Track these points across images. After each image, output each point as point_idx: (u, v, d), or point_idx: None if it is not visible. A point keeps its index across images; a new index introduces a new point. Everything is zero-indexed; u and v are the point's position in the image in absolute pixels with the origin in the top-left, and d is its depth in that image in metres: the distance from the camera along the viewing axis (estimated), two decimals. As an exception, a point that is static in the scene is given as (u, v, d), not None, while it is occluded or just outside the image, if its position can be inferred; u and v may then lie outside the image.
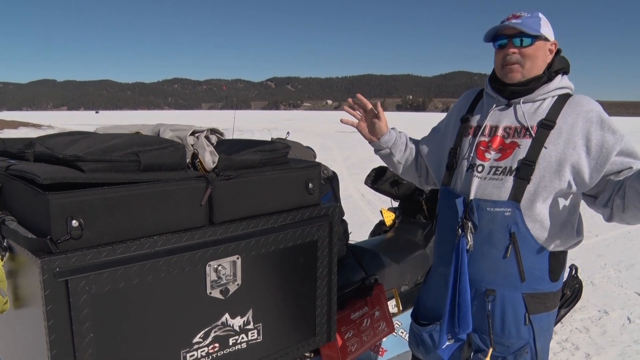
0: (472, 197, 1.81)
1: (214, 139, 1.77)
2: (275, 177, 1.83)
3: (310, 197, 1.94)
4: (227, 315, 1.72)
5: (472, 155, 1.87)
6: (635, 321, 3.94)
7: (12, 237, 1.49)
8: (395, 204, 3.68)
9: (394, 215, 3.54)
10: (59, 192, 1.36)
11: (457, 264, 1.82)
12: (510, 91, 1.85)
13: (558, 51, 1.89)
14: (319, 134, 28.93)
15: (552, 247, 1.81)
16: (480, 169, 1.83)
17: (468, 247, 1.80)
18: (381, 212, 3.74)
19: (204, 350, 1.69)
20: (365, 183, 3.44)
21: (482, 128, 1.88)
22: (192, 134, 1.71)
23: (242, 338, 1.79)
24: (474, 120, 1.95)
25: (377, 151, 2.18)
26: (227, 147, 1.79)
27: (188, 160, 1.69)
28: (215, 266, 1.65)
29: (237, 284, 1.72)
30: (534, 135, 1.77)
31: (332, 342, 2.14)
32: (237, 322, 1.76)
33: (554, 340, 3.58)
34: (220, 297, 1.69)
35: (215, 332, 1.71)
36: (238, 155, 1.75)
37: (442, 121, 2.17)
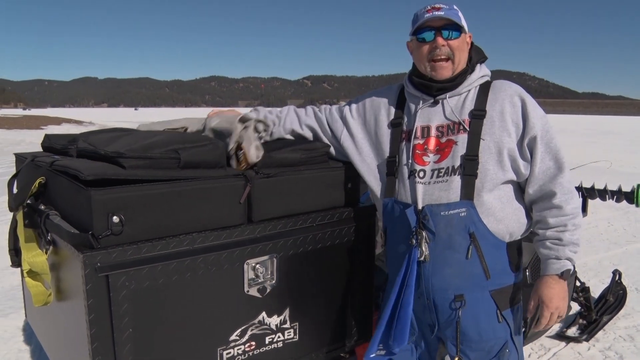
0: (421, 204, 1.73)
1: (261, 127, 1.75)
2: (314, 176, 1.81)
3: (349, 196, 1.92)
4: (264, 314, 1.72)
5: (410, 161, 1.78)
6: (683, 330, 3.79)
7: (55, 231, 1.52)
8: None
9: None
10: (101, 188, 1.38)
11: (406, 275, 1.73)
12: (438, 88, 1.78)
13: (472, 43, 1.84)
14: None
15: (508, 239, 1.77)
16: (422, 174, 1.75)
17: (423, 257, 1.72)
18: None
19: (241, 348, 1.69)
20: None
21: (414, 131, 1.79)
22: (241, 120, 1.69)
23: (279, 337, 1.78)
24: (404, 124, 1.85)
25: None
26: (267, 144, 1.79)
27: (231, 147, 1.68)
28: (253, 264, 1.65)
29: (274, 283, 1.72)
30: (468, 128, 1.72)
31: (368, 343, 2.12)
32: (274, 320, 1.75)
33: (596, 349, 3.47)
34: (258, 295, 1.69)
35: (252, 330, 1.70)
36: (278, 153, 1.74)
37: (359, 108, 1.98)
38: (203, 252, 1.54)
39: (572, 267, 1.76)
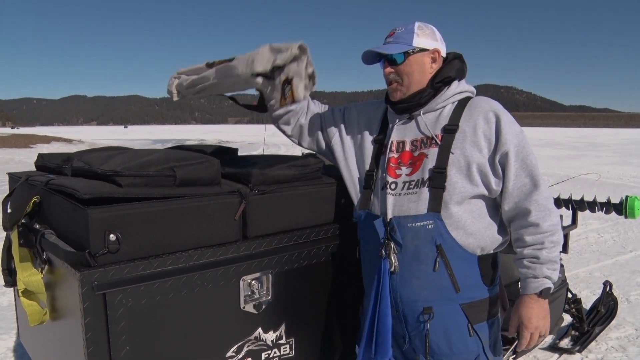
0: (390, 215, 1.75)
1: (310, 70, 1.71)
2: (308, 192, 1.83)
3: (342, 212, 1.94)
4: (260, 330, 1.73)
5: (384, 174, 1.81)
6: (674, 340, 3.82)
7: (51, 250, 1.53)
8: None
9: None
10: (98, 206, 1.39)
11: (379, 287, 1.75)
12: (399, 108, 1.83)
13: (457, 57, 1.86)
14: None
15: (479, 252, 1.76)
16: (393, 186, 1.78)
17: (393, 268, 1.73)
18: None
19: (237, 365, 1.70)
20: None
21: (390, 145, 1.83)
22: (300, 48, 1.63)
23: (275, 353, 1.78)
24: (384, 139, 1.89)
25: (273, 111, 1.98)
26: (260, 162, 1.81)
27: (281, 79, 1.65)
28: (249, 280, 1.66)
29: (270, 299, 1.73)
30: (439, 142, 1.74)
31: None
32: (270, 336, 1.76)
33: (588, 359, 3.49)
34: (254, 311, 1.69)
35: (248, 346, 1.71)
36: (272, 170, 1.76)
37: (351, 119, 2.02)
38: (199, 269, 1.55)
39: (551, 286, 1.72)
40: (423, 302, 1.74)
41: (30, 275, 1.65)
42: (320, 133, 2.01)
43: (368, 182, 1.86)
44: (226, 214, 1.63)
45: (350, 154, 1.95)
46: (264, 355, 1.76)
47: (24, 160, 19.19)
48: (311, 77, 1.73)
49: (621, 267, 5.70)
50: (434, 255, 1.70)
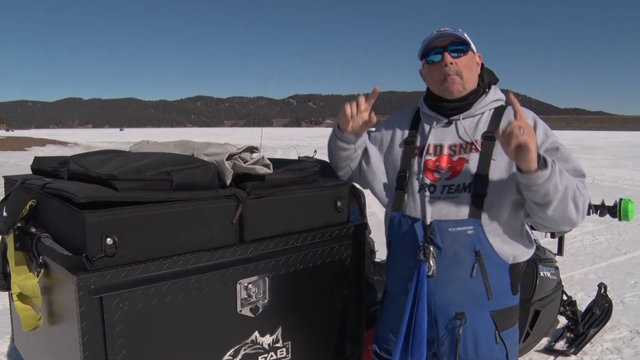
0: (429, 219, 1.74)
1: (247, 156, 1.74)
2: (305, 196, 1.84)
3: (339, 215, 1.95)
4: (256, 333, 1.73)
5: (421, 175, 1.81)
6: (669, 342, 3.84)
7: (47, 254, 1.52)
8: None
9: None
10: (95, 210, 1.39)
11: (416, 291, 1.74)
12: (451, 107, 1.81)
13: (482, 65, 1.88)
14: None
15: (511, 260, 1.77)
16: (432, 189, 1.78)
17: (431, 272, 1.72)
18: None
19: (234, 369, 1.70)
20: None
21: (427, 147, 1.83)
22: (228, 158, 1.68)
23: (271, 356, 1.78)
24: (417, 141, 1.88)
25: (339, 143, 1.91)
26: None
27: (229, 181, 1.68)
28: (246, 284, 1.66)
29: (267, 302, 1.73)
30: (480, 149, 1.75)
31: (359, 361, 2.13)
32: (267, 340, 1.76)
33: (584, 361, 3.51)
34: (250, 315, 1.69)
35: (244, 350, 1.71)
36: (269, 174, 1.76)
37: (377, 134, 2.02)
38: (196, 272, 1.55)
39: (550, 163, 1.54)
40: (456, 307, 1.75)
41: (25, 279, 1.64)
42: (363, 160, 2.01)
43: (400, 183, 1.86)
44: (223, 217, 1.63)
45: (378, 163, 1.96)
46: (260, 359, 1.76)
47: (19, 163, 19.12)
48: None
49: (616, 269, 5.73)
50: (472, 260, 1.70)
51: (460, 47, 1.77)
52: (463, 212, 1.72)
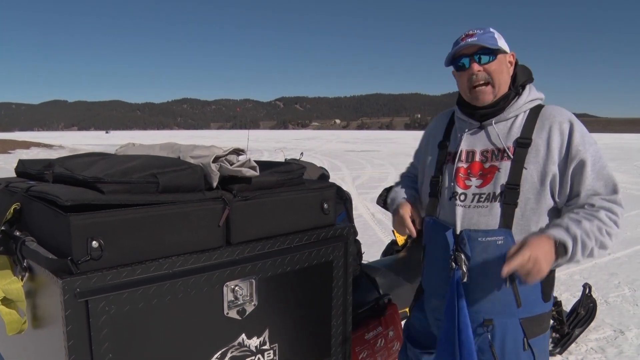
0: (459, 227, 1.76)
1: (233, 158, 1.74)
2: (291, 198, 1.84)
3: (325, 217, 1.95)
4: (243, 336, 1.73)
5: (452, 183, 1.81)
6: (652, 341, 3.89)
7: (32, 257, 1.51)
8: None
9: (406, 234, 3.53)
10: (80, 213, 1.38)
11: (455, 299, 1.73)
12: (481, 114, 1.80)
13: (516, 62, 1.83)
14: (328, 153, 29.00)
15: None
16: (462, 197, 1.78)
17: (465, 279, 1.73)
18: (394, 231, 3.73)
19: (221, 371, 1.69)
20: (377, 203, 3.43)
21: (459, 154, 1.83)
22: (214, 160, 1.68)
23: (259, 359, 1.78)
24: (451, 147, 1.89)
25: None
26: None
27: (215, 184, 1.68)
28: (233, 287, 1.66)
29: (254, 305, 1.73)
30: (512, 156, 1.72)
31: (347, 362, 2.13)
32: (254, 342, 1.76)
33: (569, 361, 3.54)
34: (237, 317, 1.69)
35: (232, 352, 1.71)
36: (255, 176, 1.76)
37: (421, 143, 2.11)
38: (182, 275, 1.55)
39: (569, 249, 1.58)
40: (484, 314, 1.76)
41: (10, 283, 1.63)
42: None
43: (434, 189, 1.88)
44: (210, 220, 1.63)
45: (423, 161, 2.01)
46: (247, 361, 1.76)
47: (3, 166, 18.92)
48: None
49: (600, 270, 5.79)
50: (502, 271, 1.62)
51: (488, 54, 1.74)
52: (493, 222, 1.71)
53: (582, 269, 5.79)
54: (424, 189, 1.96)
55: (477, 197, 1.75)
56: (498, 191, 1.72)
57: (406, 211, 1.94)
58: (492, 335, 1.75)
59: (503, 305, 1.74)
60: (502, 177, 1.72)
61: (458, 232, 1.76)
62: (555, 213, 1.74)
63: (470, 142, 1.83)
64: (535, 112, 1.77)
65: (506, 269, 1.54)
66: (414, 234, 1.93)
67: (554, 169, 1.68)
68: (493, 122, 1.78)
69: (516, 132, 1.75)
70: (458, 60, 1.78)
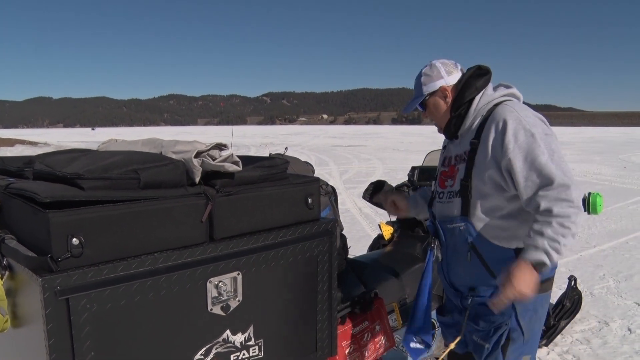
0: (437, 219, 2.17)
1: (216, 153, 1.74)
2: (275, 193, 1.83)
3: (309, 212, 1.94)
4: (228, 332, 1.72)
5: (437, 185, 2.22)
6: (636, 332, 3.93)
7: (12, 255, 1.49)
8: (394, 218, 3.67)
9: (392, 228, 3.54)
10: (59, 210, 1.36)
11: (427, 273, 2.32)
12: (447, 137, 2.21)
13: (471, 75, 2.09)
14: (315, 148, 28.99)
15: (514, 245, 1.99)
16: (441, 195, 2.18)
17: (434, 258, 2.25)
18: (380, 225, 3.73)
19: (205, 368, 1.68)
20: (363, 197, 3.44)
21: (444, 160, 2.23)
22: (197, 156, 1.67)
23: (244, 355, 1.78)
24: (442, 154, 2.30)
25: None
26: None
27: (198, 179, 1.67)
28: (216, 282, 1.65)
29: (238, 300, 1.72)
30: (466, 157, 2.05)
31: (333, 357, 2.13)
32: (239, 338, 1.75)
33: (555, 353, 3.57)
34: (222, 313, 1.68)
35: (216, 349, 1.70)
36: (237, 171, 1.75)
37: None
38: (165, 271, 1.53)
39: (547, 262, 1.84)
40: (468, 284, 2.13)
41: (-10, 282, 1.61)
42: None
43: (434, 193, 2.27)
44: (192, 216, 1.61)
45: None
46: (232, 357, 1.75)
47: (-13, 164, 18.65)
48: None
49: (585, 262, 5.85)
50: (467, 250, 2.06)
51: (421, 105, 2.18)
52: (456, 212, 2.07)
53: (568, 261, 5.84)
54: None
55: (447, 194, 2.14)
56: (457, 188, 2.07)
57: (389, 195, 2.54)
58: (473, 299, 2.09)
59: (479, 277, 2.07)
60: (460, 174, 2.07)
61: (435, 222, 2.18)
62: (512, 200, 1.98)
63: (450, 151, 2.21)
64: (488, 114, 2.03)
65: (496, 311, 1.97)
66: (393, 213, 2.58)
67: (493, 164, 1.95)
68: (459, 133, 2.12)
69: (471, 135, 2.05)
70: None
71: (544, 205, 1.83)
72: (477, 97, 2.05)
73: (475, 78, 2.07)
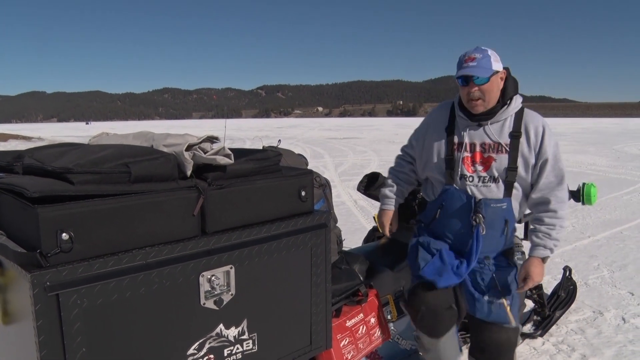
0: (478, 197, 2.38)
1: (207, 146, 1.72)
2: (268, 186, 1.81)
3: (303, 204, 1.93)
4: (221, 326, 1.71)
5: (461, 168, 2.42)
6: (630, 321, 3.94)
7: (1, 251, 1.47)
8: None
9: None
10: (49, 205, 1.34)
11: (475, 246, 2.40)
12: (477, 118, 2.38)
13: (510, 73, 2.38)
14: (310, 141, 28.94)
15: (518, 219, 2.53)
16: (471, 179, 2.40)
17: (484, 232, 2.37)
18: (375, 218, 3.72)
19: (199, 362, 1.67)
20: (358, 189, 3.43)
21: (464, 145, 2.42)
22: (188, 149, 1.66)
23: (237, 348, 1.77)
24: (456, 137, 2.46)
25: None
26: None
27: (189, 172, 1.65)
28: (209, 276, 1.63)
29: (231, 294, 1.71)
30: (508, 148, 2.34)
31: (328, 350, 2.13)
32: (232, 332, 1.74)
33: (550, 343, 3.58)
34: (215, 307, 1.67)
35: (210, 343, 1.69)
36: (230, 164, 1.73)
37: (421, 128, 2.66)
38: (157, 266, 1.52)
39: (550, 255, 2.39)
40: (485, 253, 2.45)
41: (-20, 279, 1.59)
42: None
43: (449, 164, 2.44)
44: (184, 209, 1.60)
45: (428, 142, 2.54)
46: (226, 352, 1.74)
47: (-20, 159, 18.55)
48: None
49: (580, 252, 5.86)
50: (503, 225, 2.41)
51: (482, 77, 2.27)
52: (499, 194, 2.37)
53: (563, 252, 5.85)
54: (432, 165, 2.51)
55: (481, 178, 2.39)
56: (496, 175, 2.36)
57: (387, 219, 2.71)
58: (489, 266, 2.44)
59: (497, 247, 2.47)
60: (498, 164, 2.35)
61: (477, 201, 2.37)
62: (527, 188, 2.43)
63: (471, 137, 2.41)
64: (519, 115, 2.39)
65: (521, 291, 2.44)
66: (388, 235, 2.75)
67: (531, 157, 2.35)
68: (489, 122, 2.37)
69: (508, 129, 2.36)
70: (460, 77, 2.32)
71: (553, 204, 2.36)
72: (517, 97, 2.39)
73: (514, 79, 2.40)
